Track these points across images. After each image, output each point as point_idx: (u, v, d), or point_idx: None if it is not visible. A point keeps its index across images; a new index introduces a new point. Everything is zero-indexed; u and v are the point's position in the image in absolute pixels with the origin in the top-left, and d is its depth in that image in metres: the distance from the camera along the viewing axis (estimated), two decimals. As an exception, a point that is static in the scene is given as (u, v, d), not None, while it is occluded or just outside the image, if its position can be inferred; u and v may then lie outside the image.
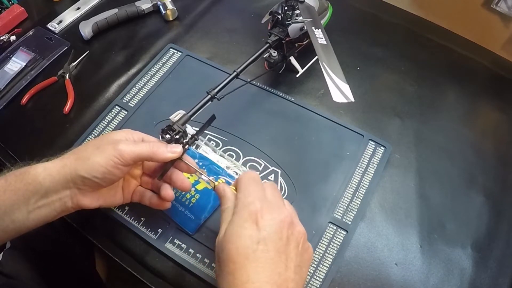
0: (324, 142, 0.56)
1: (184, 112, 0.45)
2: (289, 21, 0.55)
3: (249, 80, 0.56)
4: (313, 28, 0.52)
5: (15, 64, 0.67)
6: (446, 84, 0.63)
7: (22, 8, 0.74)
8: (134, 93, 0.62)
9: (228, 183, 0.42)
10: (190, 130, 0.45)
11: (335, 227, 0.49)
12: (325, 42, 0.51)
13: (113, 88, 0.64)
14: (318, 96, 0.62)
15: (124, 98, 0.61)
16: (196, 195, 0.50)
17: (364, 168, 0.54)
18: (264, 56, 0.56)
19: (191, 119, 0.45)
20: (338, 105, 0.53)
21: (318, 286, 0.45)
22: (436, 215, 0.51)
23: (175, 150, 0.42)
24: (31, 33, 0.71)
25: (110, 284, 0.72)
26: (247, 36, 0.69)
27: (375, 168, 0.54)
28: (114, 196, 0.45)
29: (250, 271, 0.33)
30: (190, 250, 0.48)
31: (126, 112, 0.60)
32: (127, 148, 0.39)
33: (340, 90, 0.46)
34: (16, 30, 0.73)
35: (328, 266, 0.46)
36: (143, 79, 0.63)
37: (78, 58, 0.68)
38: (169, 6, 0.71)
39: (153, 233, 0.49)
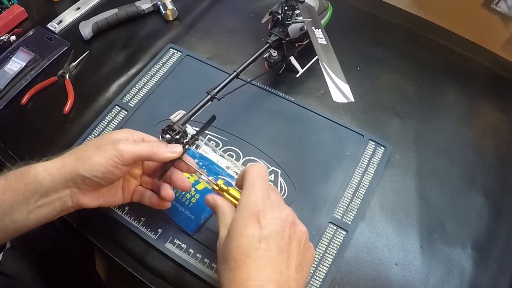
0: (324, 142, 0.56)
1: (184, 112, 0.45)
2: (289, 21, 0.55)
3: (249, 80, 0.56)
4: (313, 28, 0.52)
5: (15, 64, 0.67)
6: (446, 84, 0.64)
7: (22, 8, 0.74)
8: (134, 93, 0.62)
9: (228, 183, 0.42)
10: (190, 130, 0.45)
11: (335, 227, 0.49)
12: (325, 42, 0.51)
13: (113, 88, 0.64)
14: (318, 96, 0.62)
15: (124, 98, 0.61)
16: (196, 195, 0.50)
17: (364, 168, 0.54)
18: (264, 56, 0.56)
19: (191, 119, 0.45)
20: (338, 105, 0.53)
21: (318, 286, 0.45)
22: (436, 215, 0.51)
23: (175, 150, 0.42)
24: (31, 33, 0.71)
25: (110, 284, 0.72)
26: (247, 36, 0.69)
27: (375, 168, 0.54)
28: (114, 195, 0.45)
29: (252, 269, 0.33)
30: (190, 250, 0.48)
31: (126, 112, 0.60)
32: (127, 148, 0.39)
33: (340, 90, 0.46)
34: (16, 30, 0.73)
35: (328, 266, 0.46)
36: (143, 79, 0.63)
37: (78, 58, 0.68)
38: (169, 6, 0.71)
39: (153, 233, 0.49)
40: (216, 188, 0.42)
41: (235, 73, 0.50)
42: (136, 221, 0.50)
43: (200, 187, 0.51)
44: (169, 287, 0.47)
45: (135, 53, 0.68)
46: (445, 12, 0.70)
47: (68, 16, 0.74)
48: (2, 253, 0.52)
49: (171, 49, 0.67)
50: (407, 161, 0.55)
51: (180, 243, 0.48)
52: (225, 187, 0.41)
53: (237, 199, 0.40)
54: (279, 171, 0.53)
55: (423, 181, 0.54)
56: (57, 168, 0.39)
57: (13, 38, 0.71)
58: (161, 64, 0.65)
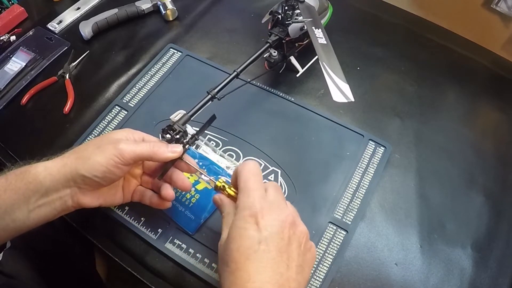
0: (324, 142, 0.56)
1: (185, 112, 0.45)
2: (289, 21, 0.55)
3: (249, 80, 0.56)
4: (313, 28, 0.52)
5: (15, 64, 0.67)
6: (446, 84, 0.64)
7: (22, 8, 0.74)
8: (134, 93, 0.62)
9: (228, 183, 0.42)
10: (190, 130, 0.45)
11: (335, 227, 0.49)
12: (325, 42, 0.51)
13: (113, 88, 0.64)
14: (318, 96, 0.62)
15: (124, 98, 0.61)
16: (196, 195, 0.50)
17: (364, 168, 0.54)
18: (264, 56, 0.56)
19: (191, 119, 0.45)
20: (338, 105, 0.53)
21: (318, 286, 0.45)
22: (436, 215, 0.51)
23: (175, 150, 0.42)
24: (31, 33, 0.71)
25: (110, 284, 0.72)
26: (247, 36, 0.69)
27: (375, 168, 0.54)
28: (114, 195, 0.45)
29: (252, 271, 0.33)
30: (190, 250, 0.48)
31: (126, 112, 0.60)
32: (127, 147, 0.39)
33: (340, 90, 0.46)
34: (16, 30, 0.73)
35: (328, 266, 0.46)
36: (143, 79, 0.63)
37: (78, 58, 0.68)
38: (169, 6, 0.71)
39: (153, 233, 0.49)
40: (216, 188, 0.42)
41: (235, 73, 0.50)
42: (136, 221, 0.50)
43: (200, 187, 0.51)
44: (169, 287, 0.47)
45: (135, 53, 0.68)
46: (445, 12, 0.70)
47: (68, 16, 0.74)
48: (2, 253, 0.52)
49: (171, 49, 0.67)
50: (407, 161, 0.55)
51: (180, 243, 0.48)
52: (226, 187, 0.41)
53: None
54: (279, 171, 0.53)
55: (423, 181, 0.54)
56: (57, 167, 0.39)
57: (13, 38, 0.71)
58: (161, 64, 0.65)
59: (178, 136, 0.43)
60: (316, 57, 0.55)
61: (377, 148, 0.55)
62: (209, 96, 0.48)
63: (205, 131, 0.51)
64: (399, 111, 0.60)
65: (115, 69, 0.67)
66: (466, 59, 0.67)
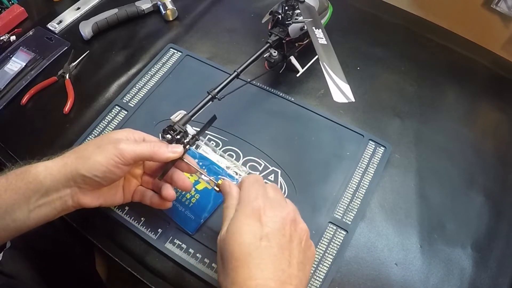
0: (324, 142, 0.56)
1: (185, 112, 0.45)
2: (289, 21, 0.55)
3: (249, 80, 0.56)
4: (313, 28, 0.52)
5: (15, 64, 0.67)
6: (446, 84, 0.64)
7: (22, 8, 0.74)
8: (134, 93, 0.62)
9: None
10: (191, 130, 0.45)
11: (335, 227, 0.49)
12: (325, 42, 0.51)
13: (113, 88, 0.64)
14: (318, 96, 0.62)
15: (124, 98, 0.61)
16: (196, 195, 0.50)
17: (364, 168, 0.54)
18: (265, 56, 0.56)
19: (192, 119, 0.45)
20: (338, 105, 0.53)
21: (318, 286, 0.45)
22: (436, 215, 0.51)
23: (176, 150, 0.42)
24: (31, 33, 0.71)
25: (110, 284, 0.72)
26: (247, 36, 0.69)
27: (375, 168, 0.54)
28: (114, 195, 0.45)
29: (253, 268, 0.33)
30: (190, 250, 0.48)
31: (126, 112, 0.60)
32: (128, 147, 0.39)
33: (340, 90, 0.46)
34: (16, 30, 0.73)
35: (328, 266, 0.46)
36: (143, 79, 0.63)
37: (78, 58, 0.68)
38: (169, 6, 0.71)
39: (153, 233, 0.49)
40: (217, 189, 0.42)
41: (236, 73, 0.50)
42: (136, 221, 0.50)
43: (200, 187, 0.51)
44: (169, 287, 0.47)
45: (135, 53, 0.68)
46: (445, 12, 0.70)
47: (68, 16, 0.74)
48: (2, 253, 0.52)
49: (171, 49, 0.67)
50: (407, 161, 0.55)
51: (180, 243, 0.48)
52: None
53: None
54: (279, 171, 0.54)
55: (423, 181, 0.54)
56: (57, 167, 0.39)
57: (13, 38, 0.71)
58: (161, 64, 0.65)
59: (178, 137, 0.43)
60: (316, 57, 0.55)
61: (377, 148, 0.55)
62: (210, 96, 0.48)
63: (205, 131, 0.51)
64: (399, 111, 0.60)
65: (115, 69, 0.66)
66: (466, 59, 0.67)
